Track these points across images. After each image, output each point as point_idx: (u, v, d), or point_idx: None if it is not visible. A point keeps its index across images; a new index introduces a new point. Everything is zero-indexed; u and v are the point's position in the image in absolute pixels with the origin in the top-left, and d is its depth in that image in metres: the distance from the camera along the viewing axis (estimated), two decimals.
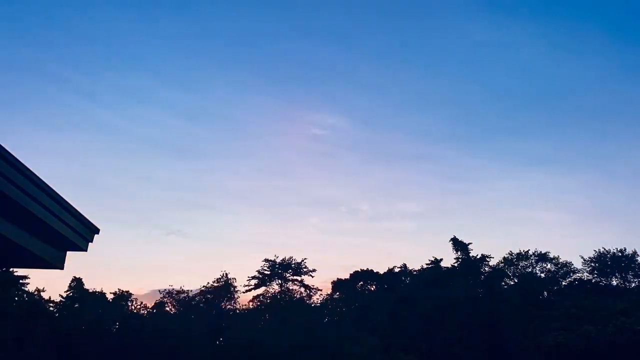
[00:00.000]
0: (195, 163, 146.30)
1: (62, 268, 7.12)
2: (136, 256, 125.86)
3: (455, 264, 75.69)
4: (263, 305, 77.31)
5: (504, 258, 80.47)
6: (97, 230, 6.96)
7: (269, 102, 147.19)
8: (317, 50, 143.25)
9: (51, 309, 67.20)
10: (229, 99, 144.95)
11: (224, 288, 76.50)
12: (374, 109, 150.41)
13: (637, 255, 76.80)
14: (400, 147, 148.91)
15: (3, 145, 4.83)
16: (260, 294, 79.27)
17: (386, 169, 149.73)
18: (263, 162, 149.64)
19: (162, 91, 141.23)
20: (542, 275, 78.98)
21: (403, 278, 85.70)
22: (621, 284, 78.00)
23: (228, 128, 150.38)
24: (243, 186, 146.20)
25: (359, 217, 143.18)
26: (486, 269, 76.25)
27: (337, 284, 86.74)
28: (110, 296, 71.34)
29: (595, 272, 79.17)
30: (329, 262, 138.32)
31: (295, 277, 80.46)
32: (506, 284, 78.07)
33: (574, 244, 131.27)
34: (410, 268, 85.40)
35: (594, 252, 79.55)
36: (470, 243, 75.52)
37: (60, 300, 67.97)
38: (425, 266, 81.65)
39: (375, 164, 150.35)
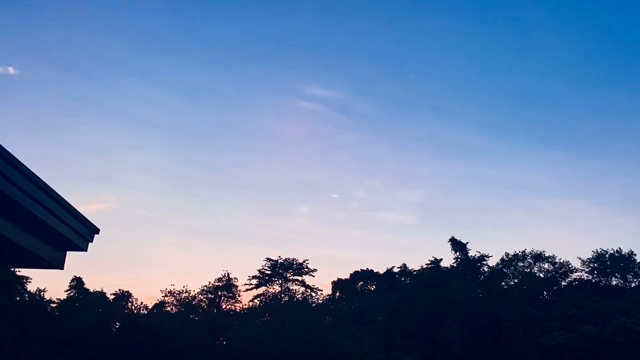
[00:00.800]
0: (184, 145, 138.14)
1: (62, 268, 7.12)
2: (136, 255, 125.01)
3: (455, 264, 75.82)
4: (264, 305, 77.34)
5: (503, 258, 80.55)
6: (97, 230, 6.97)
7: (261, 71, 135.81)
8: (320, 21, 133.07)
9: (51, 308, 67.24)
10: (209, 60, 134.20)
11: (226, 287, 76.49)
12: (373, 80, 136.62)
13: (635, 254, 76.96)
14: (406, 126, 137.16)
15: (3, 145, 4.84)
16: (261, 294, 79.34)
17: (387, 152, 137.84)
18: (252, 142, 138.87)
19: (151, 65, 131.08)
20: (542, 275, 79.01)
21: (403, 278, 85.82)
22: (621, 284, 78.06)
23: (211, 97, 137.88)
24: (232, 173, 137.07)
25: (353, 207, 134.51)
26: (485, 268, 76.36)
27: (337, 284, 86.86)
28: (111, 297, 71.52)
29: (595, 272, 79.22)
30: (324, 255, 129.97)
31: (296, 277, 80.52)
32: (506, 284, 78.11)
33: (573, 243, 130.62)
34: (410, 268, 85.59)
35: (593, 252, 79.68)
36: (468, 242, 75.71)
37: (59, 300, 68.02)
38: (425, 266, 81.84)
39: (375, 145, 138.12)
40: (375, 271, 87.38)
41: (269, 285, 79.99)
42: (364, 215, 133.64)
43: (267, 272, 79.84)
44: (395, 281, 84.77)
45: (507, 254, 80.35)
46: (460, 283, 66.62)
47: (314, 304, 79.25)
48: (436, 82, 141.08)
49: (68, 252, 7.13)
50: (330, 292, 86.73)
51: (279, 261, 79.85)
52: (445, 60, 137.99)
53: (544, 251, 79.36)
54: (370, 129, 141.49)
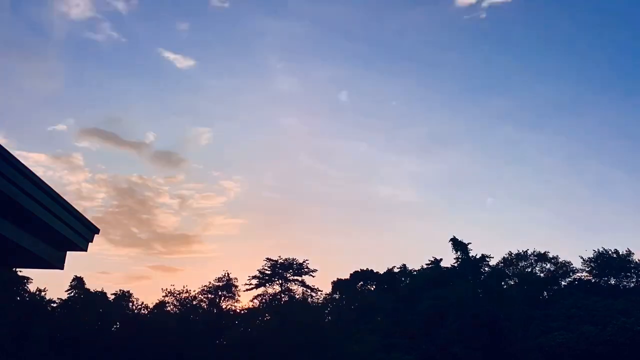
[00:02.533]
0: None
1: (62, 268, 7.12)
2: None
3: (455, 264, 75.81)
4: (264, 305, 77.31)
5: (505, 257, 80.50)
6: (97, 230, 6.96)
7: None
8: None
9: (51, 309, 67.20)
10: None
11: (226, 287, 76.49)
12: None
13: (633, 254, 76.86)
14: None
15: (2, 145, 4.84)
16: (261, 294, 79.27)
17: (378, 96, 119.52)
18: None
19: None
20: (542, 275, 78.95)
21: (403, 278, 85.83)
22: (621, 284, 77.97)
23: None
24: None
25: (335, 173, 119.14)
26: (486, 269, 76.34)
27: (337, 284, 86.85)
28: (111, 297, 71.45)
29: (595, 272, 79.13)
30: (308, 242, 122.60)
31: (296, 277, 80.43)
32: (506, 284, 78.09)
33: (573, 243, 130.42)
34: (410, 268, 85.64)
35: (593, 252, 79.55)
36: (470, 243, 75.69)
37: (60, 300, 67.98)
38: (425, 266, 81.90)
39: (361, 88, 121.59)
40: (375, 271, 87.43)
41: (269, 285, 79.92)
42: (352, 189, 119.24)
43: (267, 272, 79.77)
44: (395, 281, 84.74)
45: (510, 253, 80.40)
46: (460, 283, 66.65)
47: (313, 304, 79.23)
48: None
49: (68, 252, 7.13)
50: (329, 291, 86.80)
51: (279, 261, 79.81)
52: None
53: (547, 251, 79.41)
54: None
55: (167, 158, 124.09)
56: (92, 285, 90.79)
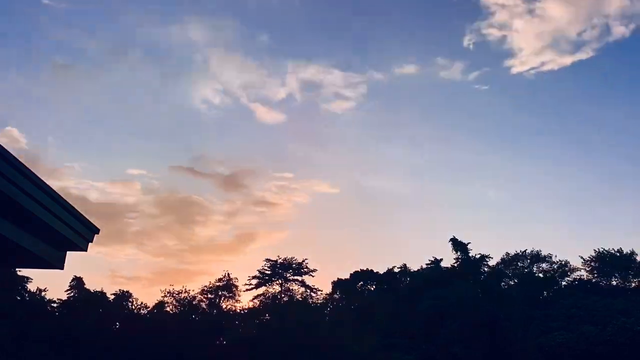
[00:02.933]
0: None
1: (62, 268, 7.12)
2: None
3: (455, 264, 75.83)
4: (264, 305, 77.33)
5: (503, 258, 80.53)
6: (97, 230, 6.96)
7: None
8: None
9: (51, 308, 67.18)
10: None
11: (226, 287, 76.48)
12: None
13: (636, 254, 76.78)
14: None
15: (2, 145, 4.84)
16: (261, 294, 79.29)
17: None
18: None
19: None
20: (542, 275, 78.96)
21: (403, 278, 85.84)
22: (621, 283, 77.95)
23: None
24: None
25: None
26: (486, 269, 76.36)
27: (337, 284, 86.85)
28: (111, 297, 71.44)
29: (595, 271, 79.12)
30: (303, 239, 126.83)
31: (295, 277, 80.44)
32: (506, 284, 78.10)
33: (573, 243, 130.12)
34: (410, 268, 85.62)
35: (593, 252, 79.55)
36: (470, 243, 75.71)
37: (61, 300, 67.95)
38: (425, 266, 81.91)
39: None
40: (375, 271, 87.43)
41: (269, 285, 79.93)
42: (353, 188, 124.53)
43: (267, 272, 79.79)
44: (395, 281, 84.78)
45: (507, 254, 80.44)
46: (460, 283, 66.66)
47: (313, 304, 79.22)
48: None
49: (68, 252, 7.13)
50: (329, 291, 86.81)
51: (279, 261, 79.84)
52: None
53: (549, 254, 79.46)
54: None
55: (231, 183, 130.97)
56: (114, 287, 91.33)
